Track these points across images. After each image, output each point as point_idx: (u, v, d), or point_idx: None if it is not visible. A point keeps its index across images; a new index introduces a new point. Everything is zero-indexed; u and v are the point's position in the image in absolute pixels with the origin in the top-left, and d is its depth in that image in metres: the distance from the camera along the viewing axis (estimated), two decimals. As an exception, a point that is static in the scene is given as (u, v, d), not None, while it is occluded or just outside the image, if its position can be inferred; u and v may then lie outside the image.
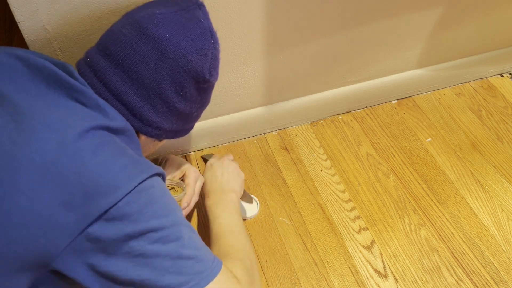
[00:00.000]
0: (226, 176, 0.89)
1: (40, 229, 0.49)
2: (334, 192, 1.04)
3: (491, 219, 1.00)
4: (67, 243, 0.50)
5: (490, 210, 1.01)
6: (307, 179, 1.06)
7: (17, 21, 0.72)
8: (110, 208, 0.50)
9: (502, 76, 1.37)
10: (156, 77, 0.61)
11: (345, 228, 0.97)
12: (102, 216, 0.50)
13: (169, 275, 0.53)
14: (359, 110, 1.24)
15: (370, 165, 1.10)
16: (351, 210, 1.00)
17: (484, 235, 0.97)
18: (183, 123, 0.70)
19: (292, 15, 0.92)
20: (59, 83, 0.56)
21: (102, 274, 0.52)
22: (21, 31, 0.73)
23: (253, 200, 1.00)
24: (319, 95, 1.15)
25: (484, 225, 0.99)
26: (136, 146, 0.62)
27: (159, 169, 0.58)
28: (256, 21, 0.90)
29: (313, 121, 1.20)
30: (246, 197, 0.99)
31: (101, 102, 0.58)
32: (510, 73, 1.38)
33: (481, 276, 0.90)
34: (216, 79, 0.69)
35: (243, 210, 0.97)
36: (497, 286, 0.89)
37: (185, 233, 0.56)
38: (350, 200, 1.02)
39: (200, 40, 0.63)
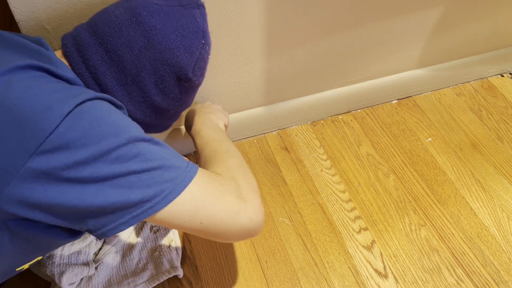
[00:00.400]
0: (207, 109, 0.88)
1: None
2: (334, 192, 1.04)
3: (491, 219, 1.00)
4: (7, 183, 0.46)
5: (490, 210, 1.01)
6: (307, 179, 1.06)
7: (17, 21, 0.72)
8: (48, 136, 0.46)
9: (503, 76, 1.37)
10: (137, 64, 0.60)
11: (345, 228, 0.97)
12: (40, 147, 0.46)
13: (138, 190, 0.50)
14: (359, 110, 1.24)
15: (370, 165, 1.10)
16: (351, 210, 1.00)
17: (485, 235, 0.97)
18: (157, 118, 0.67)
19: (292, 15, 0.92)
20: (23, 48, 0.55)
21: (61, 209, 0.49)
22: (21, 31, 0.73)
23: None
24: (319, 95, 1.15)
25: (484, 225, 0.99)
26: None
27: (102, 94, 0.54)
28: (256, 21, 0.90)
29: (313, 121, 1.20)
30: None
31: (58, 61, 0.56)
32: (510, 73, 1.38)
33: (481, 276, 0.90)
34: (199, 81, 0.67)
35: None
36: (497, 286, 0.89)
37: (144, 147, 0.52)
38: (350, 200, 1.02)
39: (191, 37, 0.62)
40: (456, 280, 0.89)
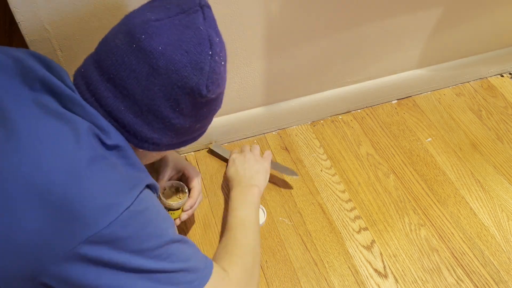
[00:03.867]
0: (249, 172, 0.94)
1: (26, 247, 0.49)
2: (334, 192, 1.04)
3: (491, 219, 1.00)
4: (53, 261, 0.50)
5: (490, 210, 1.01)
6: (307, 179, 1.06)
7: (17, 21, 0.72)
8: (101, 230, 0.50)
9: (502, 76, 1.37)
10: (148, 94, 0.57)
11: (345, 228, 0.97)
12: (91, 238, 0.50)
13: (163, 286, 0.56)
14: (359, 110, 1.24)
15: (370, 165, 1.10)
16: (351, 210, 1.00)
17: (484, 235, 0.97)
18: (184, 136, 0.66)
19: (292, 15, 0.92)
20: (49, 88, 0.56)
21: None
22: (21, 31, 0.73)
23: (260, 209, 0.99)
24: (319, 95, 1.15)
25: (484, 225, 0.99)
26: (129, 162, 0.59)
27: (149, 180, 0.59)
28: (256, 21, 0.90)
29: (313, 121, 1.20)
30: (285, 170, 1.04)
31: (94, 113, 0.57)
32: (510, 73, 1.38)
33: (481, 276, 0.90)
34: (216, 93, 0.61)
35: None
36: (497, 286, 0.89)
37: (176, 248, 0.58)
38: (350, 200, 1.02)
39: (196, 52, 0.57)
40: (456, 280, 0.89)
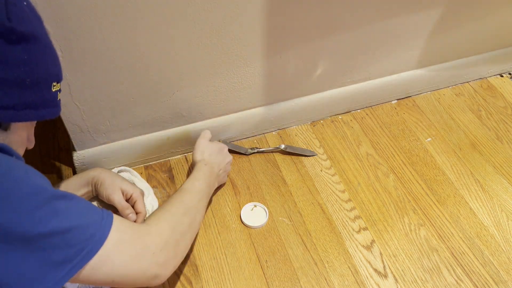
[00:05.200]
0: (215, 159, 0.95)
1: None
2: (334, 192, 1.04)
3: (490, 219, 1.00)
4: None
5: (489, 210, 1.02)
6: (307, 179, 1.06)
7: None
8: None
9: (502, 76, 1.37)
10: None
11: (345, 228, 0.97)
12: None
13: (58, 252, 0.53)
14: (359, 110, 1.24)
15: (370, 165, 1.10)
16: (351, 210, 1.01)
17: (484, 235, 0.97)
18: (20, 93, 0.54)
19: (292, 15, 0.92)
20: None
21: None
22: None
23: (262, 209, 1.00)
24: (319, 95, 1.15)
25: (483, 225, 0.99)
26: None
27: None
28: (256, 21, 0.90)
29: (313, 121, 1.20)
30: (304, 151, 1.09)
31: None
32: (510, 73, 1.38)
33: (480, 276, 0.90)
34: (24, 26, 0.53)
35: (252, 220, 0.97)
36: (497, 286, 0.89)
37: (62, 205, 0.54)
38: (350, 200, 1.02)
39: None
40: (455, 280, 0.90)
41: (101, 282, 0.60)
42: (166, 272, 0.68)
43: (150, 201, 0.96)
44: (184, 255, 0.74)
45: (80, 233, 0.55)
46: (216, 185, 0.96)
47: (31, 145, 0.63)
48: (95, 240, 0.56)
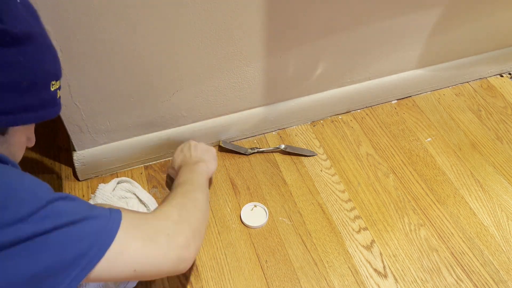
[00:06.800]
0: (199, 153, 0.95)
1: None
2: (334, 192, 1.04)
3: (490, 219, 1.00)
4: None
5: (489, 210, 1.02)
6: (307, 179, 1.06)
7: None
8: None
9: (502, 76, 1.37)
10: None
11: (345, 228, 0.97)
12: None
13: (66, 248, 0.51)
14: (359, 110, 1.24)
15: (370, 165, 1.10)
16: (350, 210, 1.01)
17: (484, 235, 0.97)
18: (17, 97, 0.52)
19: (292, 15, 0.92)
20: None
21: None
22: None
23: (262, 209, 1.00)
24: (319, 95, 1.15)
25: (483, 225, 0.99)
26: None
27: None
28: (256, 21, 0.90)
29: (313, 121, 1.20)
30: (304, 151, 1.10)
31: None
32: (509, 73, 1.38)
33: (480, 276, 0.90)
34: (18, 27, 0.50)
35: (252, 220, 0.97)
36: (497, 285, 0.89)
37: (63, 205, 0.52)
38: (350, 200, 1.02)
39: None
40: (455, 280, 0.90)
41: (123, 274, 0.57)
42: (190, 253, 0.65)
43: None
44: (203, 235, 0.72)
45: (90, 226, 0.53)
46: (205, 168, 0.91)
47: (31, 144, 0.62)
48: (106, 230, 0.54)
